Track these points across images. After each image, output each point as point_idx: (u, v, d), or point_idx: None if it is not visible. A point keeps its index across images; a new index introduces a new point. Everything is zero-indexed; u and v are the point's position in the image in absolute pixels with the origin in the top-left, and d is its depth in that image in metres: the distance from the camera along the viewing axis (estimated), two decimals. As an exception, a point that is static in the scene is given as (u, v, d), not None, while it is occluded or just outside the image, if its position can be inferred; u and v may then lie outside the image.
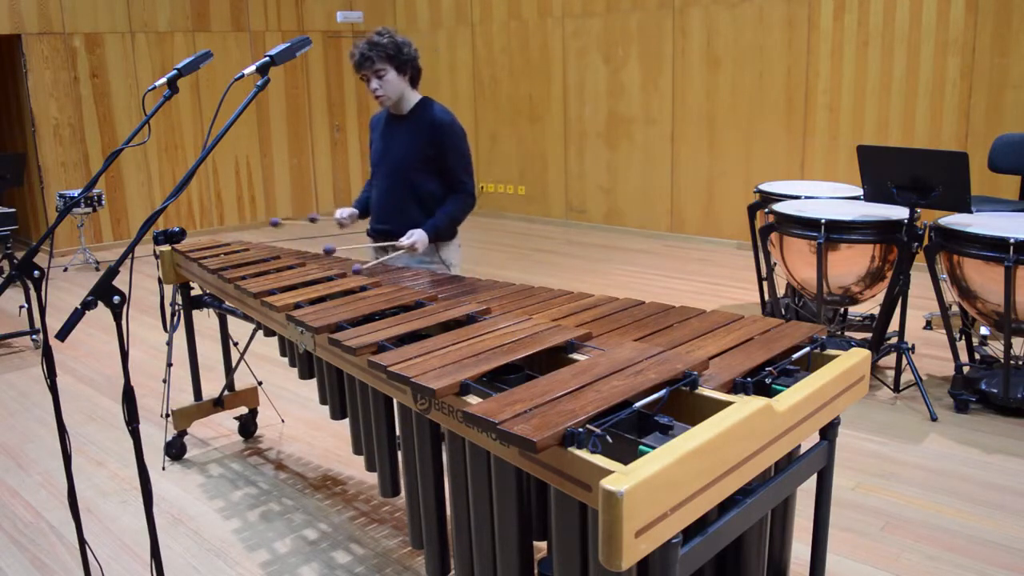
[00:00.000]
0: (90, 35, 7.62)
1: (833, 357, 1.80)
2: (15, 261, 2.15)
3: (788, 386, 1.61)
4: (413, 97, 3.02)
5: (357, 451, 2.37)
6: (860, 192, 4.21)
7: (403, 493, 2.09)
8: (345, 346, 1.99)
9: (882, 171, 3.68)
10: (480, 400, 1.58)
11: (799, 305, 4.75)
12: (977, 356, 4.08)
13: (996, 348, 4.15)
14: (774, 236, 4.08)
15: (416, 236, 2.90)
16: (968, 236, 3.48)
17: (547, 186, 8.70)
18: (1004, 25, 5.58)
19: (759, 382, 1.67)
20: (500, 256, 7.29)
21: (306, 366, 2.63)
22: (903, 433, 3.49)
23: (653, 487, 1.23)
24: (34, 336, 5.07)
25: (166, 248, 3.33)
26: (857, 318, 4.67)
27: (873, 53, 6.22)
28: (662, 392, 1.53)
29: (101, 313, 5.13)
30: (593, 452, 1.34)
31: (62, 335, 1.70)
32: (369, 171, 3.23)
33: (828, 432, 1.77)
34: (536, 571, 1.83)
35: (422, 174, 2.98)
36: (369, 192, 3.23)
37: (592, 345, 1.89)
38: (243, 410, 3.70)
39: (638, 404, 1.49)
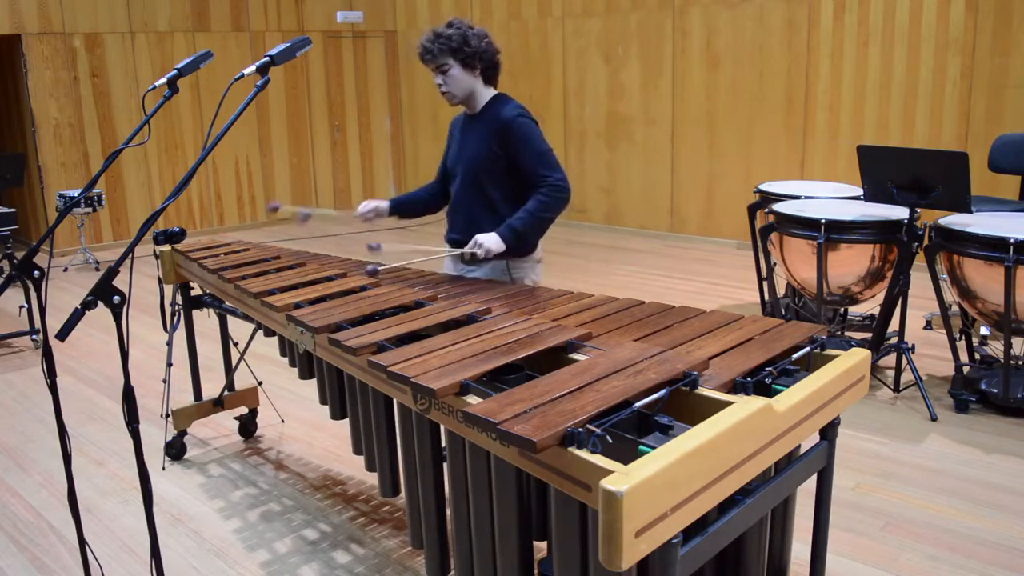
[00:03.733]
0: (90, 35, 7.62)
1: (833, 357, 1.80)
2: (15, 261, 2.15)
3: (788, 386, 1.61)
4: (486, 94, 2.71)
5: (357, 451, 2.37)
6: (860, 192, 4.21)
7: (403, 493, 2.10)
8: (345, 346, 1.99)
9: (882, 171, 3.68)
10: (480, 400, 1.58)
11: (799, 305, 4.75)
12: (977, 356, 4.08)
13: (996, 348, 4.15)
14: (774, 236, 4.08)
15: (482, 239, 2.56)
16: (968, 236, 3.48)
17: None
18: (1004, 25, 5.58)
19: (759, 382, 1.67)
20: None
21: (306, 366, 2.63)
22: (903, 433, 3.49)
23: (653, 487, 1.23)
24: (34, 336, 5.07)
25: (166, 248, 3.33)
26: (857, 318, 4.67)
27: (873, 53, 6.22)
28: (662, 392, 1.53)
29: (101, 313, 5.12)
30: (593, 452, 1.34)
31: (62, 335, 1.70)
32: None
33: (828, 432, 1.77)
34: (536, 571, 1.83)
35: (492, 178, 2.67)
36: (418, 192, 2.99)
37: (592, 345, 1.89)
38: (243, 410, 3.69)
39: (638, 404, 1.49)
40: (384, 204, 2.92)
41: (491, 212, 2.69)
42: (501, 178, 2.67)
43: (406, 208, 2.96)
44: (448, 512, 1.89)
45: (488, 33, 2.69)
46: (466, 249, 2.60)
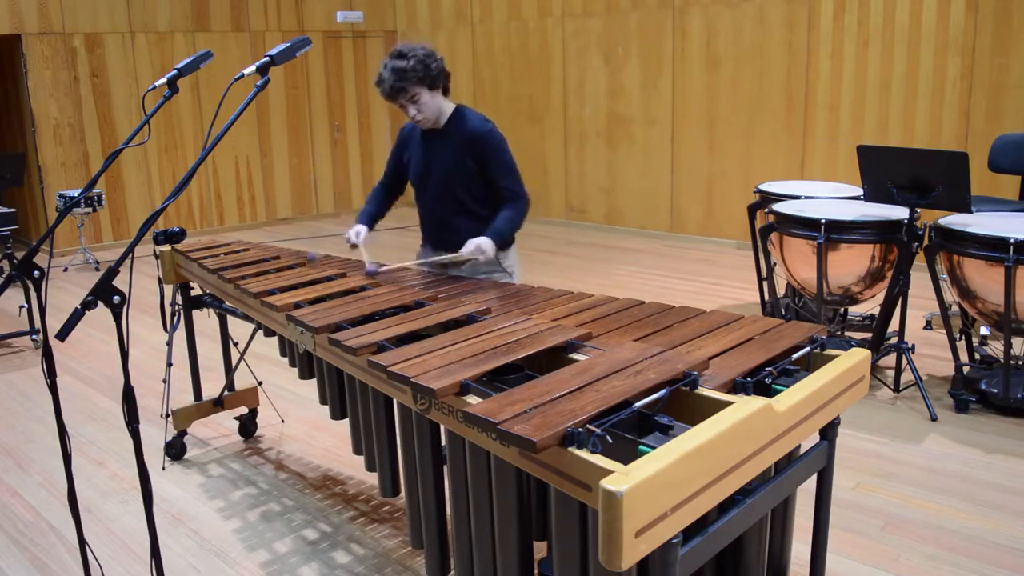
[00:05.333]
0: (90, 35, 7.62)
1: (833, 357, 1.80)
2: (15, 261, 2.15)
3: (788, 386, 1.61)
4: (447, 108, 2.85)
5: (357, 451, 2.37)
6: (860, 192, 4.21)
7: (403, 493, 2.10)
8: (345, 346, 1.99)
9: (882, 171, 3.68)
10: (480, 400, 1.58)
11: (799, 305, 4.74)
12: (977, 356, 4.08)
13: (996, 348, 4.15)
14: (774, 236, 4.08)
15: (479, 243, 2.71)
16: (968, 236, 3.48)
17: (547, 186, 8.70)
18: (1004, 25, 5.58)
19: (759, 382, 1.67)
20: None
21: (306, 366, 2.63)
22: (903, 433, 3.49)
23: (653, 487, 1.23)
24: (34, 336, 5.07)
25: (166, 248, 3.33)
26: (857, 318, 4.67)
27: (873, 53, 6.21)
28: (662, 392, 1.53)
29: (101, 313, 5.12)
30: (593, 452, 1.34)
31: (62, 335, 1.70)
32: (377, 178, 3.10)
33: (828, 432, 1.77)
34: (536, 571, 1.83)
35: (466, 187, 2.84)
36: (372, 205, 3.11)
37: (592, 345, 1.89)
38: (243, 410, 3.69)
39: (638, 404, 1.49)
40: (364, 227, 3.04)
41: (468, 215, 2.87)
42: (474, 185, 2.86)
43: (377, 219, 3.15)
44: (448, 512, 1.89)
45: (433, 48, 2.79)
46: (467, 255, 2.70)
